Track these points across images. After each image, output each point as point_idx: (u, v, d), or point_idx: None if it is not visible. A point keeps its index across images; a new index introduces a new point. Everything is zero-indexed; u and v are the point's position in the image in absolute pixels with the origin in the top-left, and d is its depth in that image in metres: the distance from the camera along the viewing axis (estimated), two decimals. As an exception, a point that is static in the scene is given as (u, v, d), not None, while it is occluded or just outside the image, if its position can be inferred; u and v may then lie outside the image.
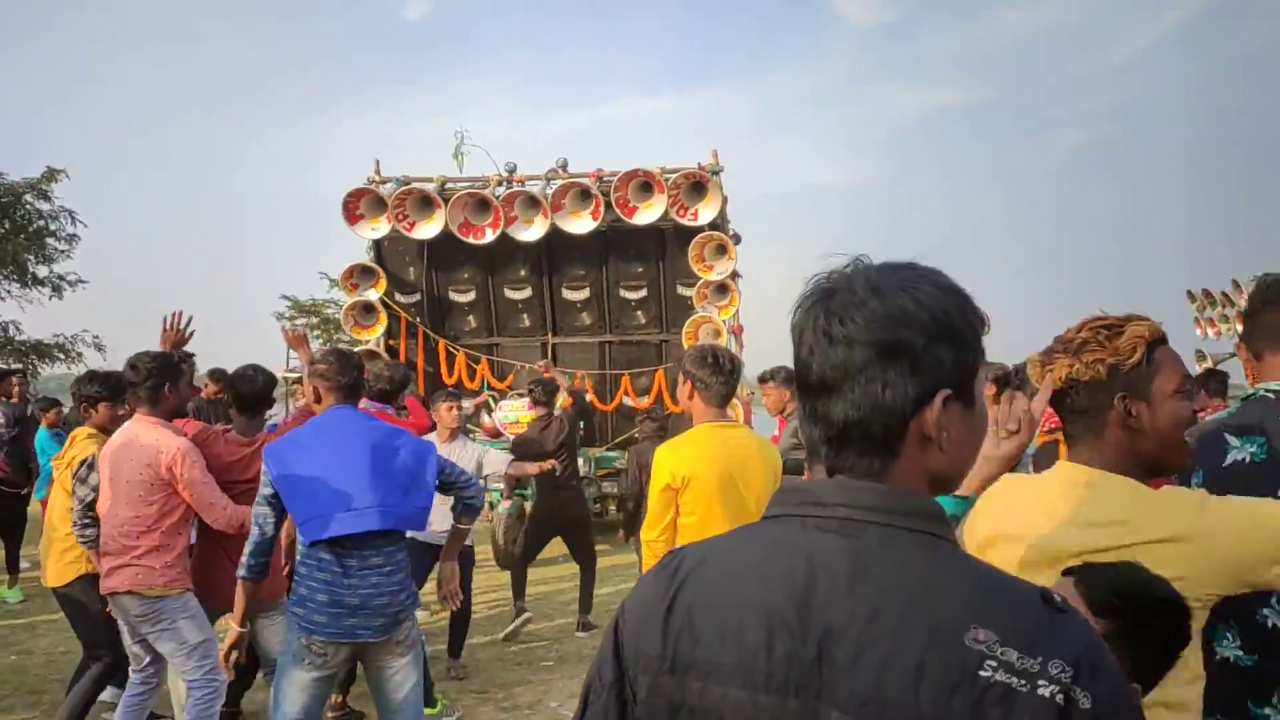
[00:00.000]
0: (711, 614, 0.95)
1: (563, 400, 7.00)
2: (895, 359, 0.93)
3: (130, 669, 3.85)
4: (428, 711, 4.29)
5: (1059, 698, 0.81)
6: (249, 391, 3.99)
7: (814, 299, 0.99)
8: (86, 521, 3.89)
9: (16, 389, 8.65)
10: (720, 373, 3.39)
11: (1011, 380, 4.41)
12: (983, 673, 0.82)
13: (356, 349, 9.06)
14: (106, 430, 4.11)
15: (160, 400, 3.72)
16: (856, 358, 0.93)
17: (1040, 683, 0.82)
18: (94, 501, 3.89)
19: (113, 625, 4.08)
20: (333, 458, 3.14)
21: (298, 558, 3.21)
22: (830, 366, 0.95)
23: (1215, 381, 8.68)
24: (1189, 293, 14.57)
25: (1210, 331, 14.22)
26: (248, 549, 3.18)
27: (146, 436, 3.64)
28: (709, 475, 3.27)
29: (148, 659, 3.80)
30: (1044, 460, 4.10)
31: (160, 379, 3.69)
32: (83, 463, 3.99)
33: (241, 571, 3.19)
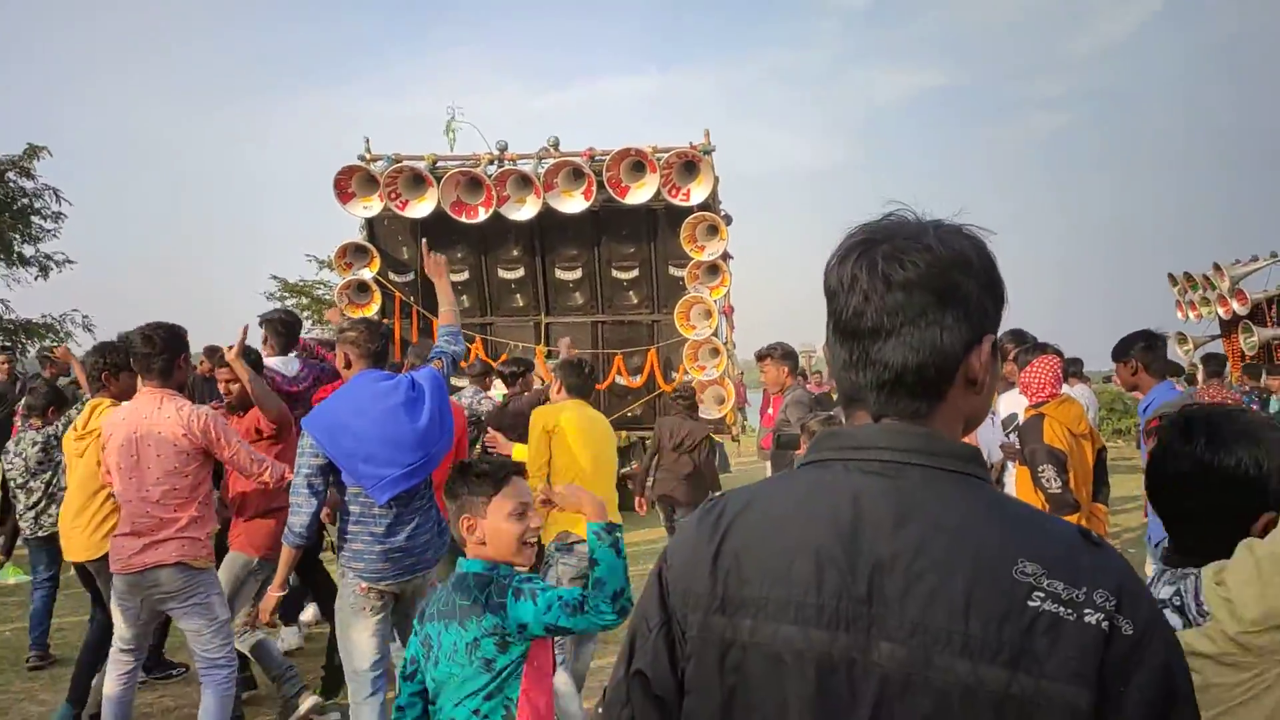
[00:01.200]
0: (760, 554, 0.99)
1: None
2: (953, 304, 0.97)
3: (121, 647, 3.74)
4: None
5: (1104, 625, 0.87)
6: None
7: (860, 247, 1.01)
8: None
9: (4, 367, 8.66)
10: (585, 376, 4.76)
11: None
12: (1031, 602, 0.88)
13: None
14: (125, 398, 4.13)
15: (174, 372, 3.71)
16: (916, 301, 0.97)
17: (1086, 611, 0.87)
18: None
19: None
20: (376, 422, 3.38)
21: (343, 513, 3.46)
22: (889, 311, 0.97)
23: (1214, 363, 8.87)
24: (1170, 276, 14.73)
25: (1191, 315, 14.40)
26: (302, 520, 3.39)
27: (168, 408, 3.61)
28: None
29: (133, 644, 3.75)
30: (1030, 433, 4.19)
31: (175, 351, 3.70)
32: None
33: (293, 540, 3.42)
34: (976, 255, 1.00)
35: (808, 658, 0.93)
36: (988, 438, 4.94)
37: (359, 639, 3.40)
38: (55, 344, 22.54)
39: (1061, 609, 0.88)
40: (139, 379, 3.83)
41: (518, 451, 4.78)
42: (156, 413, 3.61)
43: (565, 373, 4.88)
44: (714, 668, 0.99)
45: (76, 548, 4.33)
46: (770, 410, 5.85)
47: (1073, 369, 9.35)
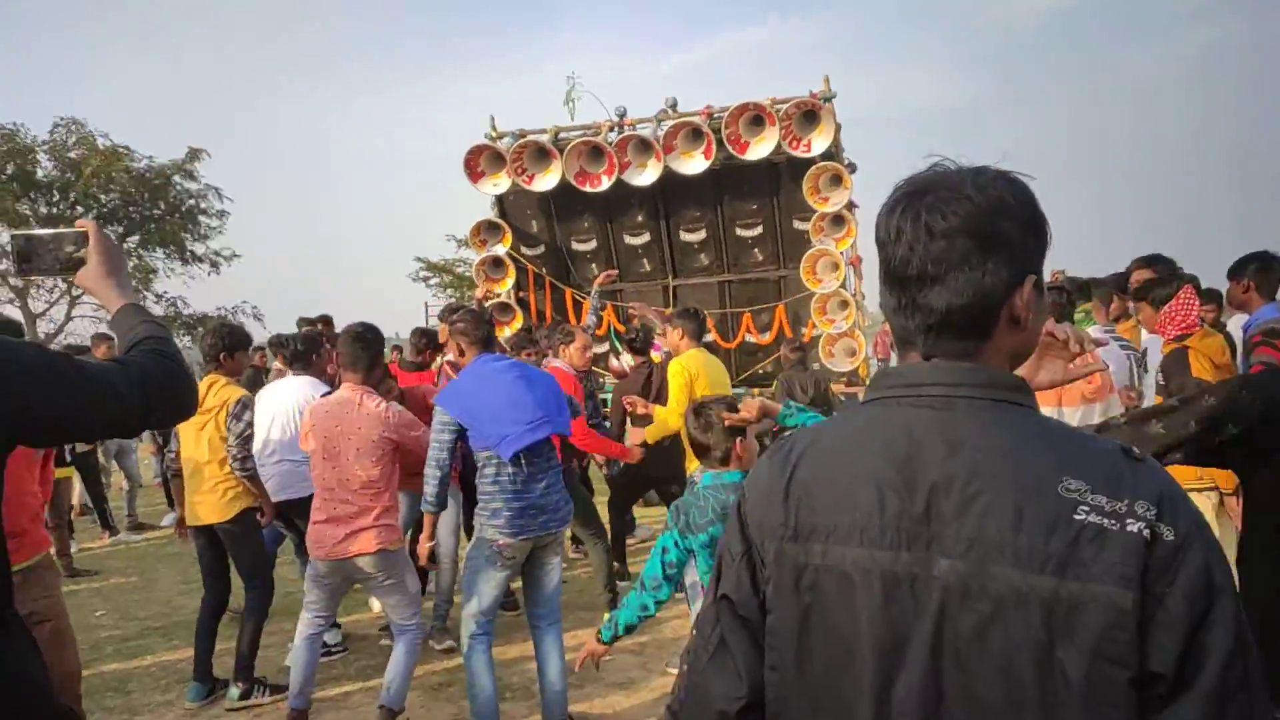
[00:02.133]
0: (825, 485, 1.09)
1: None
2: (995, 248, 1.04)
3: (315, 613, 4.07)
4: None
5: (1145, 532, 0.93)
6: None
7: (906, 199, 1.08)
8: (245, 454, 4.39)
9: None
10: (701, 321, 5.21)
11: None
12: (1077, 516, 0.95)
13: (489, 302, 9.52)
14: (236, 375, 4.63)
15: (375, 369, 4.11)
16: (959, 248, 1.04)
17: (1128, 521, 0.94)
18: (250, 437, 4.42)
19: (265, 552, 4.62)
20: (497, 391, 3.77)
21: (480, 478, 3.80)
22: (933, 259, 1.04)
23: None
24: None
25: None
26: (433, 489, 3.80)
27: (368, 404, 3.95)
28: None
29: (326, 610, 4.11)
30: (1174, 367, 4.01)
31: (380, 351, 4.13)
32: (238, 402, 4.42)
33: (429, 506, 3.84)
34: (1015, 199, 1.06)
35: (874, 575, 1.03)
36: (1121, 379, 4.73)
37: (484, 588, 3.76)
38: None
39: (1105, 520, 0.94)
40: (345, 371, 4.07)
41: (656, 420, 5.10)
42: (357, 409, 3.94)
43: (687, 320, 5.16)
44: (790, 589, 1.09)
45: (208, 511, 4.48)
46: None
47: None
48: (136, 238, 23.19)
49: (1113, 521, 0.94)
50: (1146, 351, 4.99)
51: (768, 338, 9.35)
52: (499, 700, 3.85)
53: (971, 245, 1.04)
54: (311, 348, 5.46)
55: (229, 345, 4.61)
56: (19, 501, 3.17)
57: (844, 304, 8.74)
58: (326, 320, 8.27)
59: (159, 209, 23.32)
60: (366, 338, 4.04)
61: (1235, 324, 5.71)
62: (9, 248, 1.94)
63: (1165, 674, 0.92)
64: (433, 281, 26.75)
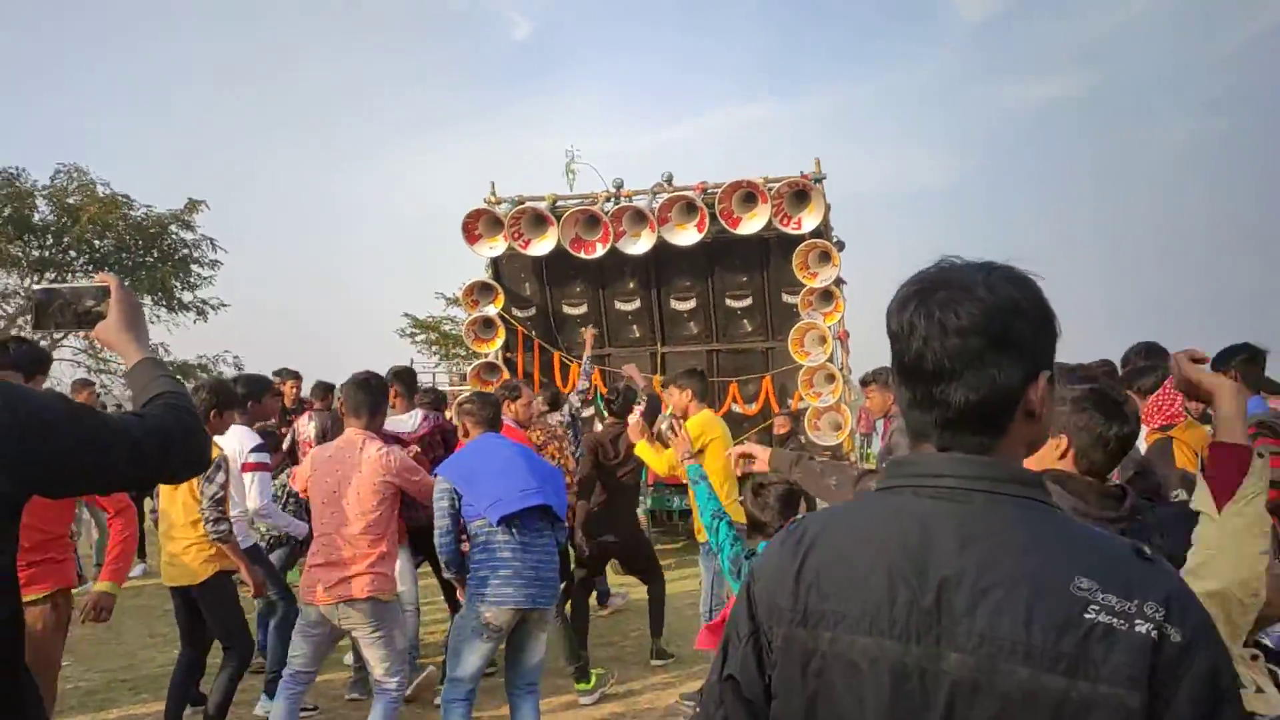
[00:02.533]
0: (837, 572, 1.10)
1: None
2: (1008, 346, 1.07)
3: (299, 667, 4.03)
4: (584, 686, 5.12)
5: (1154, 633, 0.95)
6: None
7: (918, 296, 1.10)
8: (219, 516, 4.23)
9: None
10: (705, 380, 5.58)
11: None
12: (1087, 615, 0.97)
13: (475, 362, 9.58)
14: (219, 434, 4.53)
15: (378, 416, 4.16)
16: (973, 346, 1.06)
17: (1137, 621, 0.96)
18: (223, 498, 4.29)
19: (242, 615, 4.50)
20: (497, 463, 3.90)
21: (473, 549, 3.87)
22: (948, 355, 1.07)
23: None
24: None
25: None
26: (447, 553, 3.95)
27: (370, 448, 3.97)
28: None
29: (310, 668, 4.07)
30: (1158, 458, 4.03)
31: (385, 398, 4.22)
32: (213, 462, 4.20)
33: (452, 570, 3.99)
34: (1026, 299, 1.09)
35: (882, 666, 1.04)
36: None
37: (469, 657, 3.82)
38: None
39: (1115, 620, 0.96)
40: (348, 417, 4.11)
41: (660, 453, 5.19)
42: (359, 453, 3.96)
43: (695, 381, 5.34)
44: (797, 675, 1.10)
45: (180, 573, 4.37)
46: (882, 437, 5.85)
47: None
48: (127, 283, 23.14)
49: (1122, 621, 0.96)
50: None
51: (754, 408, 9.42)
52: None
53: (985, 344, 1.06)
54: (252, 393, 5.26)
55: (220, 404, 4.53)
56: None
57: (830, 378, 8.85)
58: (294, 375, 8.61)
59: (152, 256, 23.42)
60: (370, 384, 4.10)
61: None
62: (29, 299, 1.97)
63: None
64: (419, 338, 26.81)
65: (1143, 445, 4.46)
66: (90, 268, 22.72)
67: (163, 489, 4.47)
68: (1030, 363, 1.09)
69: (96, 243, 22.60)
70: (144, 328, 1.79)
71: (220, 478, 4.26)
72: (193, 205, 23.45)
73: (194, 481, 4.28)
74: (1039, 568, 1.00)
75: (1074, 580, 0.98)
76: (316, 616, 3.95)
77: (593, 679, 5.24)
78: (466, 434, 4.16)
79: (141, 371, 1.69)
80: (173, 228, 23.54)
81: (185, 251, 24.00)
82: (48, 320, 1.75)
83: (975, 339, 1.06)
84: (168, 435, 1.54)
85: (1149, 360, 4.72)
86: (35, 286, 1.81)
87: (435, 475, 3.97)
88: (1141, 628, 0.95)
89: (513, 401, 5.82)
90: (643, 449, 5.16)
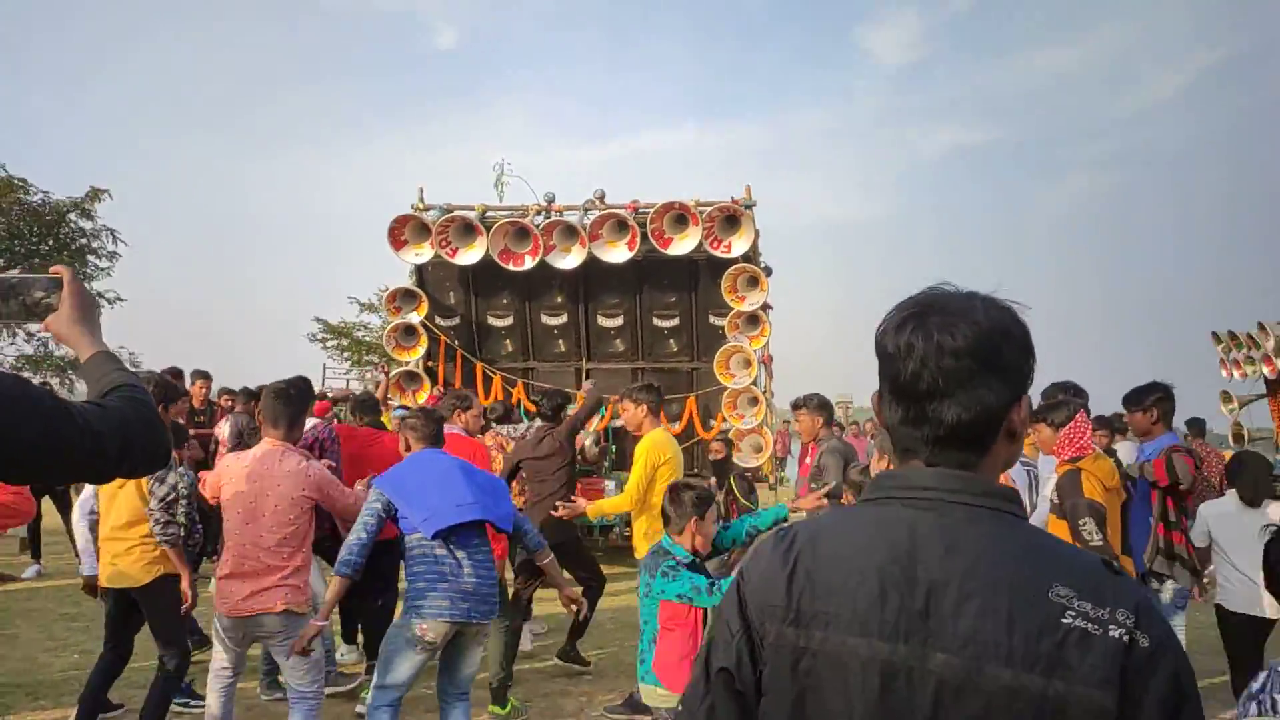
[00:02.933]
0: (829, 575, 1.14)
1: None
2: (997, 369, 1.13)
3: (221, 665, 4.00)
4: (497, 710, 4.96)
5: (1125, 638, 1.02)
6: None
7: (915, 318, 1.15)
8: (169, 519, 4.14)
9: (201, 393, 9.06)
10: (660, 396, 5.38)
11: None
12: (1064, 619, 1.03)
13: (395, 371, 9.37)
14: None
15: (296, 426, 4.02)
16: (966, 367, 1.12)
17: (1110, 627, 1.03)
18: (174, 500, 4.16)
19: (187, 621, 4.36)
20: (434, 476, 3.82)
21: (409, 562, 3.75)
22: (943, 375, 1.12)
23: (1196, 424, 9.55)
24: (1214, 334, 14.60)
25: (1236, 373, 14.23)
26: (353, 553, 3.66)
27: (289, 461, 3.86)
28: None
29: (233, 665, 4.02)
30: (1069, 488, 4.26)
31: (305, 408, 4.07)
32: None
33: (344, 570, 3.66)
34: (1014, 325, 1.16)
35: (871, 665, 1.08)
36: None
37: (399, 666, 3.72)
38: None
39: (1090, 625, 1.03)
40: (266, 427, 4.00)
41: (603, 505, 5.28)
42: (278, 465, 3.84)
43: (650, 396, 5.15)
44: (787, 672, 1.13)
45: (126, 577, 4.29)
46: (808, 460, 5.92)
47: (1117, 425, 9.40)
48: (17, 271, 21.95)
49: (1096, 627, 1.03)
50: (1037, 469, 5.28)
51: (677, 428, 9.43)
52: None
53: (978, 366, 1.12)
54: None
55: (162, 399, 4.39)
56: None
57: (754, 400, 8.96)
58: (175, 373, 8.39)
59: (47, 245, 22.20)
60: (289, 394, 3.97)
61: (1125, 450, 6.13)
62: None
63: None
64: (330, 344, 26.08)
65: (1051, 473, 4.67)
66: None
67: (102, 492, 4.38)
68: (1016, 385, 1.15)
69: (-14, 227, 21.31)
70: (97, 321, 1.70)
71: (172, 479, 4.19)
72: (95, 194, 22.30)
73: (143, 482, 4.20)
74: (1018, 576, 1.06)
75: (1052, 588, 1.05)
76: (229, 624, 3.88)
77: (509, 707, 5.05)
78: (408, 448, 4.11)
79: (96, 364, 1.62)
80: (71, 216, 22.40)
81: (83, 242, 22.84)
82: None
83: (969, 360, 1.12)
84: (127, 427, 1.47)
85: (1064, 396, 4.96)
86: None
87: (371, 487, 3.87)
88: (1114, 633, 1.02)
89: (464, 411, 5.75)
90: (611, 505, 5.37)
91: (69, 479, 1.81)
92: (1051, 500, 4.71)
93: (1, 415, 1.31)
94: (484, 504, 3.78)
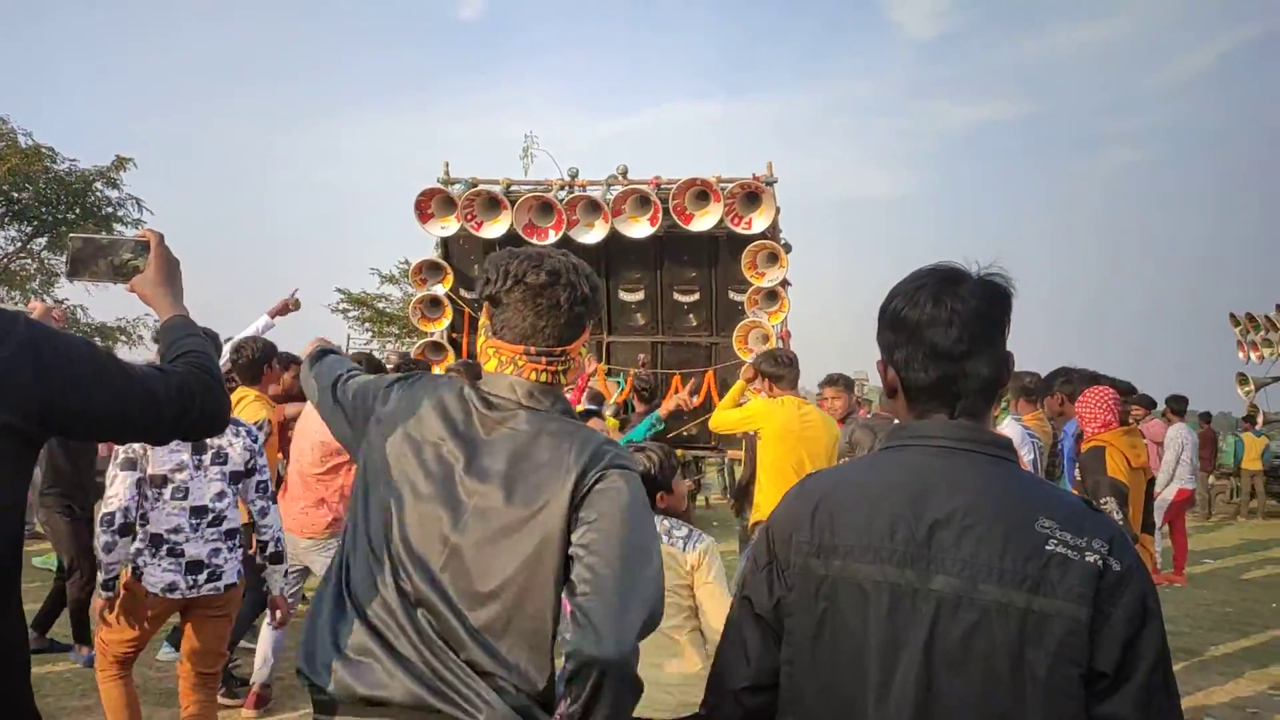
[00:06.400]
0: (847, 513, 1.34)
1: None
2: (1002, 330, 1.34)
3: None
4: None
5: (1099, 563, 1.21)
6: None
7: (938, 286, 1.34)
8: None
9: None
10: (790, 365, 5.06)
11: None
12: (1048, 546, 1.22)
13: (420, 341, 9.58)
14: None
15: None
16: (988, 329, 1.33)
17: (1087, 553, 1.22)
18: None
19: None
20: None
21: None
22: (971, 336, 1.32)
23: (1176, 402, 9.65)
24: (1232, 316, 14.63)
25: (1254, 355, 14.27)
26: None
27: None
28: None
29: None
30: (1092, 464, 4.12)
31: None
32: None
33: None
34: (1010, 294, 1.37)
35: (882, 587, 1.28)
36: None
37: None
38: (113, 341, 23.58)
39: (1070, 551, 1.22)
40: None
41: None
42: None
43: (786, 367, 5.05)
44: (811, 595, 1.34)
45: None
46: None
47: (1174, 406, 9.54)
48: (45, 239, 22.31)
49: (1075, 553, 1.22)
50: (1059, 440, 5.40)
51: (695, 401, 9.62)
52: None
53: (994, 327, 1.33)
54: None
55: (264, 359, 4.66)
56: None
57: (771, 375, 9.11)
58: (210, 335, 8.47)
59: (75, 213, 22.53)
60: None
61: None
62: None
63: (1108, 672, 1.19)
64: (352, 314, 26.31)
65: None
66: (7, 220, 21.75)
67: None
68: (1006, 346, 1.36)
69: (15, 195, 21.66)
70: (179, 285, 1.77)
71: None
72: (120, 163, 22.58)
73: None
74: (1011, 510, 1.25)
75: (1038, 520, 1.24)
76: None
77: None
78: None
79: (173, 328, 1.69)
80: (98, 184, 22.70)
81: (109, 210, 23.15)
82: (82, 270, 1.72)
83: (988, 323, 1.33)
84: (187, 392, 1.55)
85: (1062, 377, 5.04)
86: (71, 235, 1.79)
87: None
88: (1090, 558, 1.21)
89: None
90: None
91: (128, 439, 1.94)
92: (1074, 478, 4.65)
93: (68, 376, 1.40)
94: None
